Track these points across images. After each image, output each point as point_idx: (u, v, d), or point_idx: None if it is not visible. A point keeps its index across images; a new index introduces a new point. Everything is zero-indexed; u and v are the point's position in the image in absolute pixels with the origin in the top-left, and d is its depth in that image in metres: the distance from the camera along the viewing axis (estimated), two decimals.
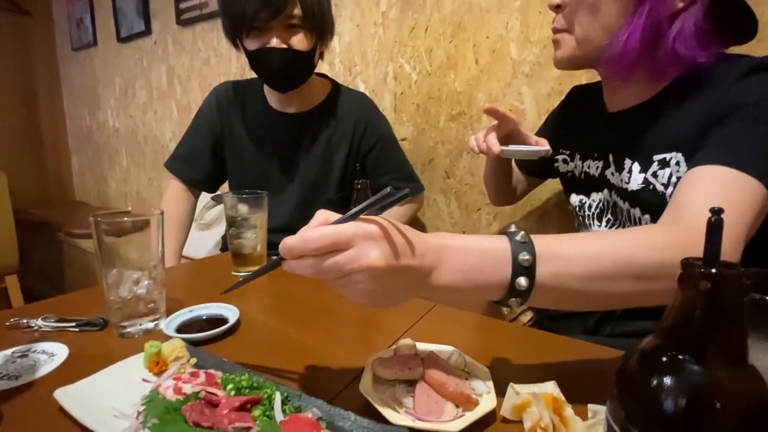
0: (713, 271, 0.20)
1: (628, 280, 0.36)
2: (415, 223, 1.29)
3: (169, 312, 0.55)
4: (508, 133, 0.66)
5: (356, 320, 0.59)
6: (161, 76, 2.07)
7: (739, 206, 0.42)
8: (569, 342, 0.53)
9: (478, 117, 1.12)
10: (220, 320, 0.55)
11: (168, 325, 0.52)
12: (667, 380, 0.21)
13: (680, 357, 0.21)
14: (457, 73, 1.13)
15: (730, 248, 0.40)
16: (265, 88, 1.00)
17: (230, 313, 0.56)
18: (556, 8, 0.57)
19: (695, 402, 0.20)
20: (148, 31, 2.04)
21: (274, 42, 0.83)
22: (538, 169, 0.86)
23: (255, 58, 0.87)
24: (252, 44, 0.85)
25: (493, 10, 1.05)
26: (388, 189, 0.34)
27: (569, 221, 1.03)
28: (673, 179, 0.52)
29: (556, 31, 0.59)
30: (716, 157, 0.44)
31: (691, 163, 0.48)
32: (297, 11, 0.82)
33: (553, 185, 1.00)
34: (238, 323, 0.55)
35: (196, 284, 0.77)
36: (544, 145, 0.65)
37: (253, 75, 0.95)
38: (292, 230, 0.35)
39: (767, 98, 0.46)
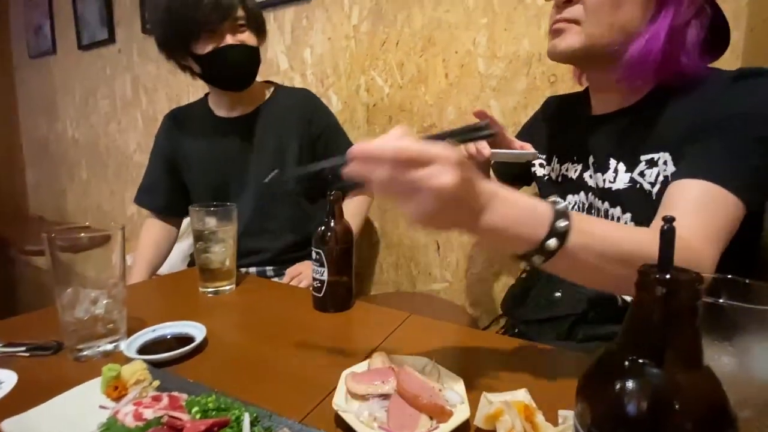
0: (668, 276, 0.22)
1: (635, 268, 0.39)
2: (388, 234, 1.30)
3: (130, 332, 0.52)
4: (494, 138, 0.68)
5: (329, 335, 0.58)
6: (126, 85, 1.99)
7: (718, 222, 0.45)
8: (541, 349, 0.54)
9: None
10: (186, 339, 0.52)
11: (129, 346, 0.50)
12: (629, 384, 0.21)
13: (640, 361, 0.22)
14: (428, 87, 1.16)
15: (707, 261, 0.43)
16: (210, 99, 1.04)
17: (197, 331, 0.54)
18: (566, 2, 0.55)
19: (656, 404, 0.21)
20: (111, 39, 1.97)
21: (229, 40, 0.87)
22: (515, 177, 0.89)
23: (212, 60, 0.88)
24: (206, 47, 0.87)
25: (461, 26, 1.08)
26: (477, 122, 0.35)
27: None
28: (660, 178, 0.54)
29: (563, 20, 0.56)
30: (700, 171, 0.47)
31: (676, 173, 0.50)
32: (242, 13, 0.89)
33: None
34: (205, 341, 0.53)
35: (161, 301, 0.73)
36: (529, 149, 0.66)
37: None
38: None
39: (750, 111, 0.48)
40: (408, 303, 1.09)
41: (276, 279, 0.98)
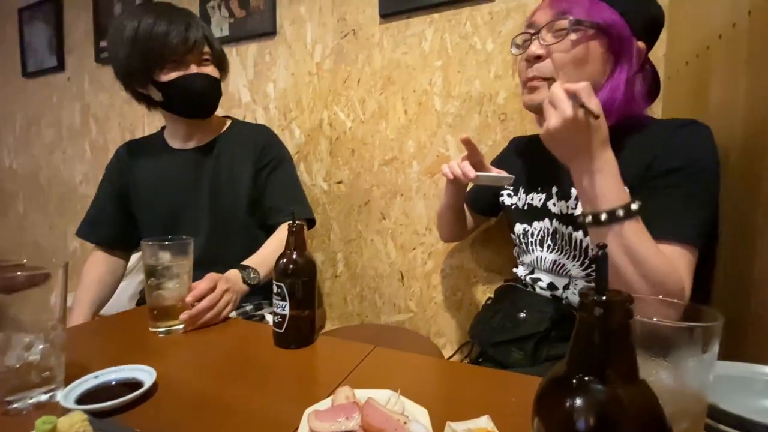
0: (604, 298, 0.24)
1: (633, 269, 0.52)
2: (352, 265, 1.29)
3: (69, 379, 0.48)
4: (474, 163, 0.74)
5: (291, 372, 0.56)
6: (74, 114, 1.90)
7: (683, 272, 0.55)
8: (503, 374, 0.56)
9: (409, 162, 1.19)
10: (134, 384, 0.49)
11: (67, 395, 0.45)
12: (578, 401, 0.23)
13: (586, 378, 0.24)
14: (389, 122, 1.21)
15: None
16: (166, 132, 1.04)
17: (145, 375, 0.50)
18: (536, 58, 0.63)
19: (600, 419, 0.22)
20: (60, 67, 1.90)
21: (194, 69, 0.89)
22: (483, 210, 0.96)
23: (176, 86, 0.89)
24: (170, 75, 0.88)
25: (418, 67, 1.16)
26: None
27: (496, 258, 1.11)
28: None
29: (536, 78, 0.64)
30: (661, 232, 0.55)
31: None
32: (207, 49, 0.92)
33: (478, 230, 1.07)
34: (155, 386, 0.49)
35: (106, 344, 0.67)
36: (505, 175, 0.72)
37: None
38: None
39: (692, 167, 0.57)
40: (373, 335, 1.07)
41: (232, 314, 0.94)
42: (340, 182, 1.29)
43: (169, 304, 0.68)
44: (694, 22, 0.78)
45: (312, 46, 1.30)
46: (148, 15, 0.86)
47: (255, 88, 1.42)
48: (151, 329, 0.68)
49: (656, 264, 0.52)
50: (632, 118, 0.63)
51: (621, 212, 0.51)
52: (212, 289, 0.72)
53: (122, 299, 1.35)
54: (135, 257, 1.47)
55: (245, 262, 0.86)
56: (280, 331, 0.62)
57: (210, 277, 0.73)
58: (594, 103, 0.50)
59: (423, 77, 1.15)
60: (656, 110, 0.93)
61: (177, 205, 0.99)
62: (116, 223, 1.03)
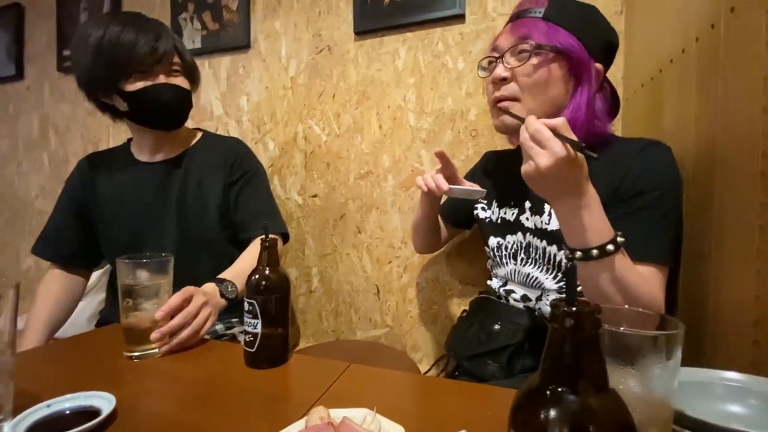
0: (574, 309, 0.24)
1: (621, 297, 0.54)
2: (327, 280, 1.27)
3: (19, 410, 0.44)
4: (448, 176, 0.75)
5: (264, 393, 0.54)
6: (32, 124, 1.81)
7: (658, 291, 0.58)
8: (479, 387, 0.56)
9: (385, 176, 1.20)
10: (90, 413, 0.45)
11: (15, 426, 0.41)
12: (552, 413, 0.23)
13: (559, 389, 0.24)
14: (364, 137, 1.22)
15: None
16: (133, 144, 1.00)
17: (103, 402, 0.47)
18: (502, 80, 0.66)
19: (575, 429, 0.23)
20: (19, 75, 1.80)
21: (162, 80, 0.87)
22: (457, 223, 0.98)
23: (142, 97, 0.86)
24: (136, 85, 0.85)
25: (392, 84, 1.18)
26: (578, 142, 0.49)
27: (470, 270, 1.12)
28: None
29: (503, 99, 0.67)
30: (638, 254, 0.57)
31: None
32: (177, 60, 0.90)
33: (452, 242, 1.09)
34: (114, 414, 0.46)
35: (61, 370, 0.63)
36: (478, 188, 0.74)
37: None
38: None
39: (660, 186, 0.60)
40: (348, 352, 1.05)
41: None
42: (314, 196, 1.28)
43: (146, 326, 0.64)
44: (648, 47, 0.84)
45: (287, 60, 1.31)
46: (114, 24, 0.84)
47: (228, 100, 1.40)
48: (125, 354, 0.63)
49: (641, 290, 0.54)
50: (597, 136, 0.67)
51: (611, 247, 0.52)
52: (187, 302, 0.66)
53: (80, 321, 1.27)
54: (96, 275, 1.39)
55: (221, 276, 0.83)
56: (251, 350, 0.60)
57: (185, 290, 0.67)
58: (575, 138, 0.50)
59: (397, 93, 1.17)
60: (616, 129, 0.99)
61: (142, 220, 0.94)
62: (76, 240, 0.97)
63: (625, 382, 0.33)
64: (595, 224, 0.52)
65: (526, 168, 0.51)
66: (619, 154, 0.65)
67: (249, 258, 0.90)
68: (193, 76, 0.95)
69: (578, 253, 0.53)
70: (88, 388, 0.49)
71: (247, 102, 1.37)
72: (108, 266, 1.17)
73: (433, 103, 1.14)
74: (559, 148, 0.48)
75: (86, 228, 0.98)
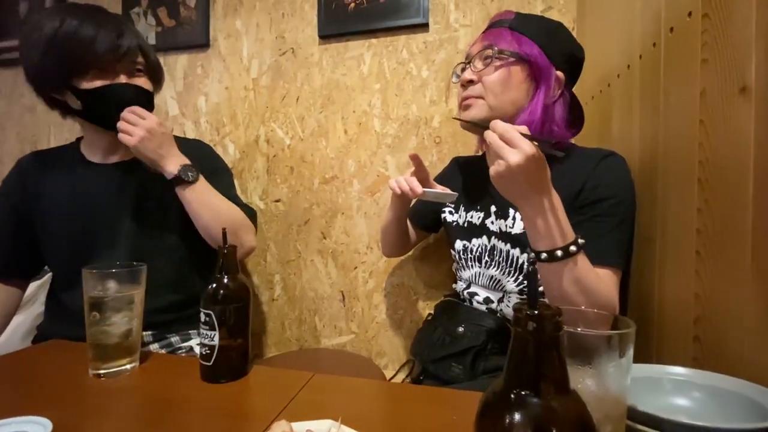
0: (536, 312, 0.25)
1: (582, 297, 0.57)
2: (291, 287, 1.24)
3: None
4: (420, 180, 0.76)
5: (221, 409, 0.51)
6: None
7: (614, 293, 0.61)
8: (443, 392, 0.56)
9: (350, 181, 1.19)
10: None
11: None
12: (516, 417, 0.23)
13: (523, 393, 0.24)
14: (329, 141, 1.20)
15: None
16: (84, 143, 0.92)
17: (38, 428, 0.42)
18: (469, 82, 0.71)
19: (539, 431, 0.23)
20: None
21: (123, 79, 0.81)
22: (425, 226, 0.98)
23: (99, 95, 0.80)
24: (93, 82, 0.79)
25: (357, 89, 1.18)
26: (555, 141, 0.50)
27: (435, 274, 1.13)
28: None
29: (469, 97, 0.71)
30: (592, 257, 0.60)
31: None
32: (141, 59, 0.85)
33: (418, 247, 1.09)
34: None
35: None
36: (449, 192, 0.76)
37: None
38: None
39: (615, 195, 0.64)
40: (312, 361, 1.03)
41: (155, 346, 0.84)
42: (277, 201, 1.25)
43: (115, 341, 0.59)
44: (597, 62, 0.89)
45: (248, 61, 1.27)
46: (72, 16, 0.77)
47: (184, 100, 1.34)
48: (91, 372, 0.58)
49: (601, 290, 0.57)
50: (556, 142, 0.70)
51: (574, 248, 0.54)
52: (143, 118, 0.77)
53: (14, 338, 1.15)
54: (33, 286, 1.27)
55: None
56: (208, 363, 0.56)
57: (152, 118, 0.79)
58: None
59: (362, 99, 1.17)
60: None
61: (92, 226, 0.87)
62: (11, 246, 0.88)
63: (583, 381, 0.35)
64: (559, 225, 0.55)
65: (495, 168, 0.52)
66: (578, 164, 0.68)
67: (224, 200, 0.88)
68: (156, 76, 0.90)
69: (543, 255, 0.55)
70: (21, 412, 0.44)
71: (205, 102, 1.31)
72: (47, 276, 1.07)
73: (398, 110, 1.15)
74: (528, 146, 0.50)
75: (25, 233, 0.88)
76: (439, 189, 0.77)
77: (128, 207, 0.89)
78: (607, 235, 0.63)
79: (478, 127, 0.66)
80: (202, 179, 0.85)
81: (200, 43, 1.29)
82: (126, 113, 0.79)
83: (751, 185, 0.42)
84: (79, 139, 0.95)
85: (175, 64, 1.33)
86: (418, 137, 1.13)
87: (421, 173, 0.77)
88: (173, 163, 0.82)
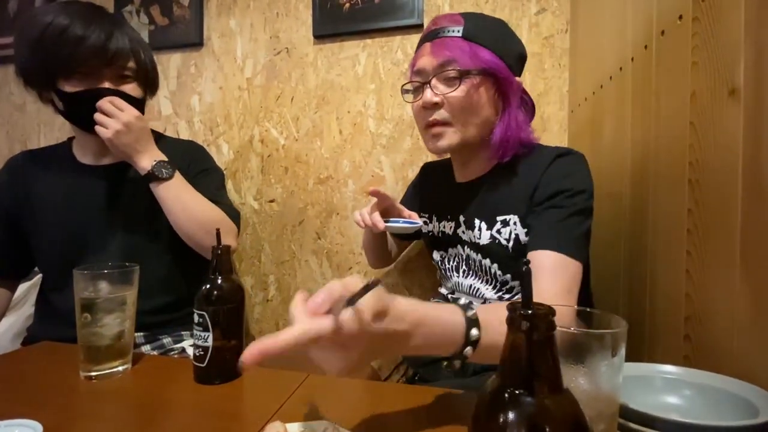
0: (530, 312, 0.25)
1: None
2: (285, 288, 1.24)
3: None
4: (386, 208, 0.75)
5: (214, 411, 0.50)
6: None
7: (567, 281, 0.58)
8: (437, 392, 0.56)
9: (345, 181, 1.19)
10: None
11: None
12: (510, 416, 0.23)
13: (517, 392, 0.24)
14: (323, 141, 1.20)
15: (567, 314, 0.48)
16: (75, 144, 0.91)
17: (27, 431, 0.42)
18: (434, 105, 0.66)
19: (532, 430, 0.23)
20: None
21: (108, 84, 0.79)
22: (407, 235, 0.96)
23: (81, 100, 0.78)
24: (75, 87, 0.78)
25: (352, 89, 1.18)
26: (368, 282, 0.36)
27: (430, 275, 1.14)
28: (513, 235, 0.67)
29: (436, 123, 0.67)
30: (547, 244, 0.60)
31: (531, 243, 0.62)
32: (131, 64, 0.82)
33: (414, 246, 1.10)
34: None
35: None
36: (416, 219, 0.74)
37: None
38: None
39: (568, 189, 0.62)
40: (307, 362, 1.02)
41: (147, 347, 0.83)
42: (272, 201, 1.24)
43: (107, 343, 0.58)
44: (590, 64, 0.90)
45: (242, 60, 1.26)
46: (64, 15, 0.75)
47: (178, 100, 1.33)
48: (82, 374, 0.57)
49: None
50: (524, 145, 0.70)
51: (468, 350, 0.43)
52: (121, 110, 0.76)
53: (4, 340, 1.13)
54: (23, 287, 1.25)
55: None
56: (201, 365, 0.56)
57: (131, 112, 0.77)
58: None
59: (357, 99, 1.17)
60: (563, 138, 1.05)
61: (83, 227, 0.86)
62: (1, 248, 0.87)
63: (575, 380, 0.35)
64: (443, 338, 0.43)
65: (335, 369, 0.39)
66: (538, 162, 0.67)
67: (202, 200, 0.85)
68: (149, 81, 0.87)
69: (457, 362, 0.44)
70: (11, 415, 0.43)
71: (199, 102, 1.30)
72: (37, 277, 1.06)
73: (393, 110, 1.15)
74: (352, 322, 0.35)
75: (14, 233, 0.87)
76: (405, 216, 0.75)
77: (120, 209, 0.88)
78: (558, 223, 0.61)
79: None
80: (178, 177, 0.82)
81: (194, 42, 1.28)
82: (104, 103, 0.76)
83: (740, 186, 0.43)
84: (70, 139, 0.94)
85: (168, 63, 1.32)
86: (413, 138, 1.14)
87: (384, 203, 0.74)
88: (147, 158, 0.80)
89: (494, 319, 0.44)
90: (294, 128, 1.22)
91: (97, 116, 0.76)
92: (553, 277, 0.58)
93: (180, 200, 0.82)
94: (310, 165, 1.21)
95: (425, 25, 1.11)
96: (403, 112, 1.14)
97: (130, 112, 0.77)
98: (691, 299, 0.51)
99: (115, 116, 0.76)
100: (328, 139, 1.20)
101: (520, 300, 0.26)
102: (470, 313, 0.43)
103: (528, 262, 0.27)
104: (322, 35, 1.18)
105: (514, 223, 0.67)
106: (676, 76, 0.54)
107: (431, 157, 1.12)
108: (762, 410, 0.35)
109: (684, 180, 0.52)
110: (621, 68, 0.72)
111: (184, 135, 1.31)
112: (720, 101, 0.45)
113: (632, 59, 0.68)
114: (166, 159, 0.83)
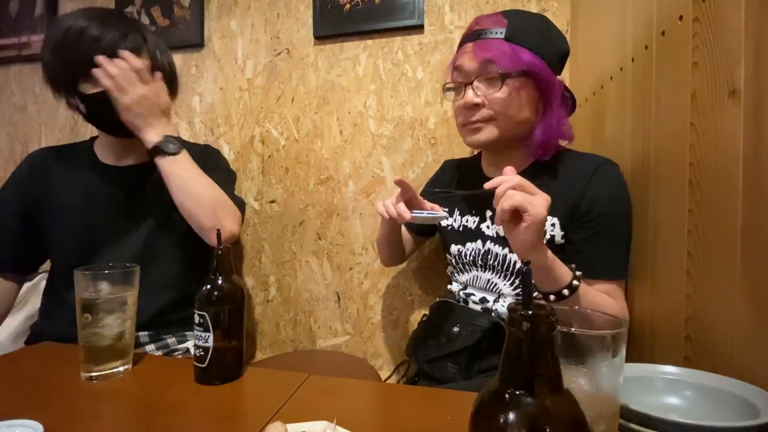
0: (530, 312, 0.25)
1: None
2: (286, 288, 1.24)
3: None
4: (408, 200, 0.74)
5: (215, 411, 0.50)
6: None
7: (622, 303, 0.65)
8: (438, 392, 0.56)
9: (345, 182, 1.19)
10: None
11: None
12: (510, 417, 0.23)
13: (517, 392, 0.24)
14: (324, 142, 1.20)
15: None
16: (97, 144, 0.92)
17: None
18: (475, 106, 0.68)
19: (532, 431, 0.23)
20: None
21: None
22: (426, 229, 0.97)
23: (98, 102, 0.79)
24: (94, 87, 0.78)
25: (352, 90, 1.18)
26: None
27: (431, 275, 1.14)
28: (548, 236, 0.68)
29: (477, 122, 0.70)
30: (600, 273, 0.65)
31: (585, 268, 0.63)
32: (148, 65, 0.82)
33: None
34: None
35: None
36: (439, 211, 0.74)
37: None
38: None
39: (616, 210, 0.65)
40: (308, 362, 1.02)
41: (151, 347, 0.83)
42: (272, 201, 1.25)
43: (108, 343, 0.58)
44: (591, 64, 0.90)
45: (243, 61, 1.26)
46: (83, 18, 0.77)
47: (178, 100, 1.32)
48: (83, 374, 0.57)
49: (607, 305, 0.62)
50: (559, 145, 0.72)
51: (576, 282, 0.58)
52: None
53: (5, 339, 1.13)
54: (24, 288, 1.25)
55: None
56: (202, 365, 0.56)
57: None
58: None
59: (357, 100, 1.17)
60: None
61: (100, 226, 0.86)
62: (17, 241, 0.87)
63: (576, 380, 0.35)
64: (560, 266, 0.58)
65: (527, 225, 0.52)
66: (574, 173, 0.69)
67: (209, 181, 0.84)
68: (167, 83, 0.87)
69: (552, 297, 0.58)
70: (12, 415, 0.44)
71: (199, 103, 1.31)
72: (38, 278, 1.06)
73: (393, 111, 1.15)
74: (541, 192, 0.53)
75: (31, 227, 0.87)
76: (428, 208, 0.75)
77: (137, 210, 0.88)
78: (612, 249, 0.66)
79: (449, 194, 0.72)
80: (185, 155, 0.81)
81: (194, 42, 1.28)
82: (125, 61, 0.76)
83: (740, 187, 0.43)
84: (93, 138, 0.94)
85: None
86: (413, 138, 1.14)
87: (408, 194, 0.74)
88: (157, 132, 0.79)
89: (590, 288, 0.61)
90: (294, 129, 1.23)
91: (119, 77, 0.75)
92: (620, 301, 0.66)
93: (183, 176, 0.80)
94: (311, 165, 1.21)
95: (425, 26, 1.11)
96: (404, 112, 1.14)
97: (158, 84, 0.80)
98: (692, 300, 0.51)
99: (136, 83, 0.77)
100: (328, 140, 1.20)
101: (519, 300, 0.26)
102: (578, 274, 0.59)
103: (528, 262, 0.27)
104: (322, 36, 1.18)
105: (552, 225, 0.68)
106: (677, 76, 0.54)
107: (432, 158, 1.12)
108: (762, 411, 0.35)
109: (684, 181, 0.52)
110: (621, 69, 0.72)
111: (185, 135, 1.31)
112: (720, 102, 0.45)
113: (632, 60, 0.68)
114: (175, 135, 0.82)
